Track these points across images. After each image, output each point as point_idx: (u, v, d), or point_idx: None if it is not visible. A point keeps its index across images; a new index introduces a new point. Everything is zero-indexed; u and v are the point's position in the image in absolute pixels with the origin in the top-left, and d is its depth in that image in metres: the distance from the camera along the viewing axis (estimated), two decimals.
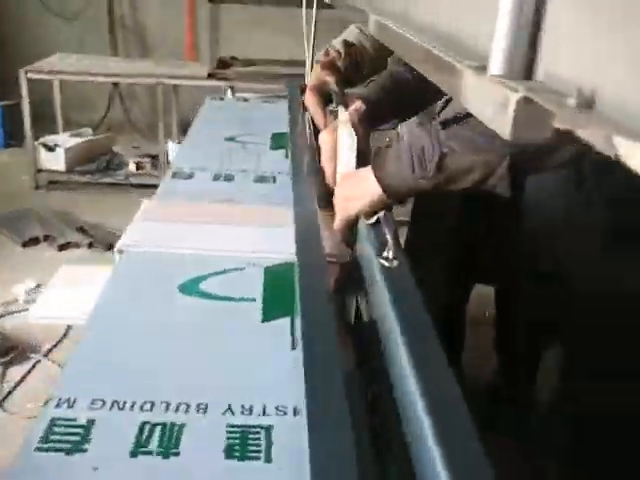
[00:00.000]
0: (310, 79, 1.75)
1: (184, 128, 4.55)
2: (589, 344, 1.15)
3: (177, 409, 0.73)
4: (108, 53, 4.91)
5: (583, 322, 1.15)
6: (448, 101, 1.43)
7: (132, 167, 4.05)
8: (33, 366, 2.46)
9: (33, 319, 1.23)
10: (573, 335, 1.21)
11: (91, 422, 0.70)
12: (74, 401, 0.73)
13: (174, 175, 1.47)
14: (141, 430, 0.70)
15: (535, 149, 0.86)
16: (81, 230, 3.44)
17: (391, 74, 1.39)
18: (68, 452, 0.66)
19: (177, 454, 0.67)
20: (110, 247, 3.34)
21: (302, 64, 3.99)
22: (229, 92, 3.21)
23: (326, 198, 1.25)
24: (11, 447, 2.13)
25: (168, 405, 0.74)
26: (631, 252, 1.05)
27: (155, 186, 4.21)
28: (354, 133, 1.08)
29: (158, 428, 0.70)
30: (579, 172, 1.06)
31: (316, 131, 1.72)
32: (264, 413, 0.74)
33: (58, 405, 0.72)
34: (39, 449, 0.66)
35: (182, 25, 4.87)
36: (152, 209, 1.26)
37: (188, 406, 0.74)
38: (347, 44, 1.76)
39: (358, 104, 1.34)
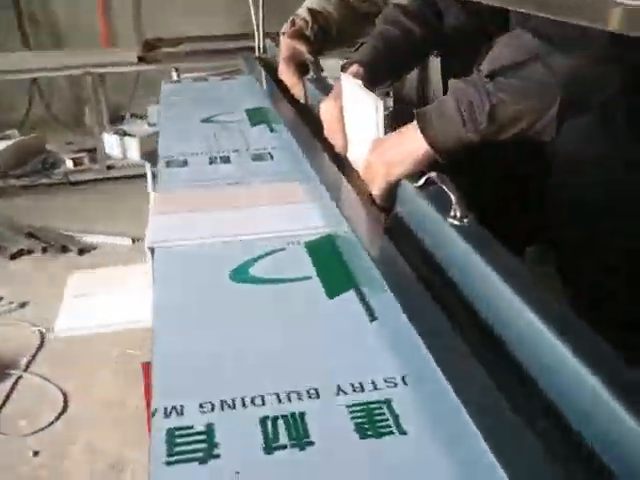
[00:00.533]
0: (281, 51, 1.71)
1: (114, 118, 4.42)
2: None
3: (289, 398, 0.71)
4: (19, 48, 4.67)
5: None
6: (447, 58, 1.42)
7: (69, 164, 3.90)
8: (15, 382, 2.37)
9: (60, 333, 1.17)
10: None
11: (210, 426, 0.67)
12: (181, 408, 0.70)
13: (168, 164, 1.42)
14: (264, 426, 0.67)
15: (586, 87, 0.87)
16: (30, 235, 3.30)
17: (381, 33, 1.36)
18: (202, 461, 0.63)
19: (311, 443, 0.65)
20: (65, 249, 3.22)
21: (236, 38, 3.92)
22: (175, 74, 3.09)
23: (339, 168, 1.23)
24: (18, 467, 2.05)
25: (278, 396, 0.72)
26: None
27: (98, 181, 4.09)
28: (378, 97, 1.06)
29: (281, 421, 0.68)
30: (605, 111, 1.07)
31: (293, 101, 1.69)
32: (375, 388, 0.73)
33: (167, 415, 0.69)
34: (169, 463, 0.63)
35: (94, 11, 4.66)
36: (165, 201, 1.21)
37: (298, 394, 0.72)
38: (312, 11, 1.73)
39: (355, 68, 1.32)
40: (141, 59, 3.69)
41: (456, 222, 0.85)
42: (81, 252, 3.19)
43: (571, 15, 0.59)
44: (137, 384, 2.30)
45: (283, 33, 1.78)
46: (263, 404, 0.71)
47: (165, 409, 0.70)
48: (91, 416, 2.22)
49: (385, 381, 0.74)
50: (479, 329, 0.76)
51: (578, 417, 0.62)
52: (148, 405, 0.87)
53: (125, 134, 4.02)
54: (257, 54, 2.33)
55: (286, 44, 1.70)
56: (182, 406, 0.70)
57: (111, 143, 4.00)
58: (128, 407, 2.22)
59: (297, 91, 1.67)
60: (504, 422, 0.61)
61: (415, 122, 0.98)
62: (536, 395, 0.67)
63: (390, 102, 1.99)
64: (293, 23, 1.75)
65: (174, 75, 3.28)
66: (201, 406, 0.70)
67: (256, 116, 1.75)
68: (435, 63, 1.63)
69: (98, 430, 2.15)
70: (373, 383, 0.73)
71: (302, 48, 1.67)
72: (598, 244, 1.16)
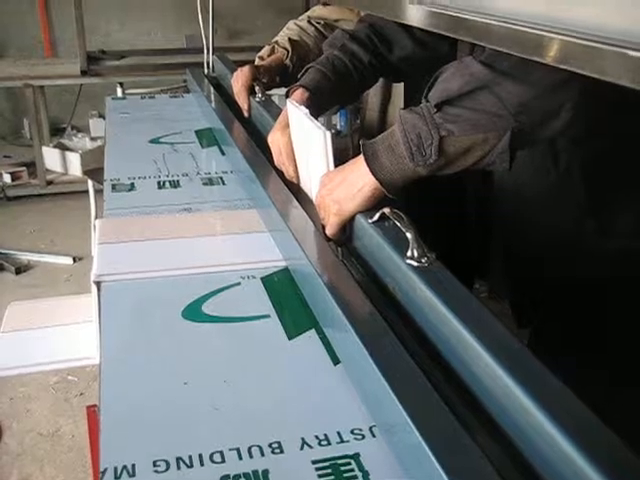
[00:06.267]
0: (242, 75, 1.65)
1: (54, 131, 4.28)
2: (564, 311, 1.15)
3: (250, 454, 0.67)
4: None
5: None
6: (416, 88, 1.40)
7: (7, 178, 3.74)
8: None
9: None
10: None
11: None
12: (133, 467, 0.65)
13: (114, 188, 1.35)
14: None
15: (538, 116, 0.85)
16: None
17: (327, 59, 1.34)
18: None
19: None
20: (0, 268, 3.08)
21: (182, 52, 3.85)
22: (119, 89, 2.99)
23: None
24: None
25: (239, 451, 0.67)
26: (610, 217, 1.07)
27: (37, 196, 3.94)
28: (325, 129, 1.02)
29: None
30: (553, 147, 1.06)
31: (245, 123, 1.64)
32: (342, 440, 0.69)
33: (117, 476, 0.64)
34: None
35: (37, 20, 4.51)
36: (111, 229, 1.15)
37: (260, 448, 0.67)
38: (293, 42, 1.72)
39: (300, 92, 1.29)
40: (84, 72, 3.57)
41: (414, 263, 0.82)
42: (18, 271, 3.06)
43: (513, 47, 0.57)
44: (74, 412, 2.20)
45: (261, 57, 1.76)
46: (223, 461, 0.66)
47: (115, 469, 0.64)
48: (25, 447, 2.10)
49: (352, 432, 0.70)
50: (448, 375, 0.72)
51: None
52: (94, 458, 0.81)
53: (66, 148, 3.89)
54: (206, 71, 2.28)
55: (249, 75, 1.64)
56: (134, 465, 0.65)
57: (51, 157, 3.86)
58: (64, 437, 2.12)
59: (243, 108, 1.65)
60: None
61: (362, 155, 0.95)
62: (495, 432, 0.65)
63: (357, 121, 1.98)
64: (273, 50, 1.73)
65: (119, 91, 3.18)
66: (155, 464, 0.65)
67: (206, 137, 1.70)
68: (399, 87, 1.62)
69: (34, 463, 2.04)
70: (339, 435, 0.70)
71: (258, 85, 1.63)
72: (548, 277, 1.15)
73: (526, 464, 0.62)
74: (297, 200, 1.12)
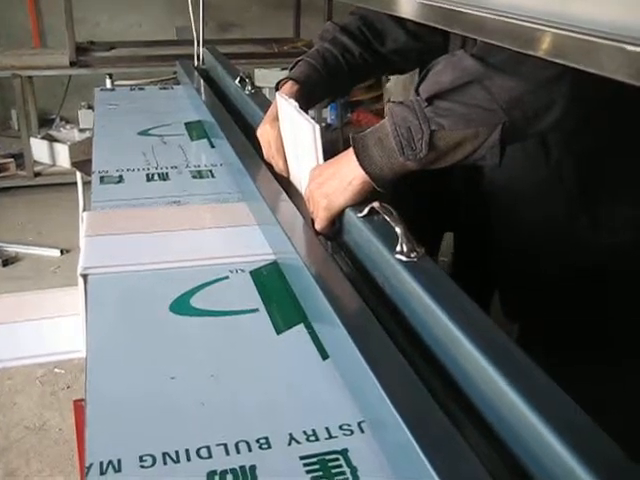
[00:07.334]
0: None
1: (42, 122, 4.24)
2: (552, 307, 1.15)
3: (237, 450, 0.66)
4: None
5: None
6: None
7: None
8: None
9: None
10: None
11: None
12: (119, 463, 0.64)
13: (102, 180, 1.34)
14: None
15: (530, 111, 0.85)
16: None
17: (318, 51, 1.33)
18: None
19: None
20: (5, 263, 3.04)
21: (171, 44, 3.82)
22: (108, 81, 2.96)
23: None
24: None
25: (226, 446, 0.66)
26: (601, 212, 1.07)
27: (25, 188, 3.90)
28: (315, 122, 1.01)
29: (229, 477, 0.63)
30: (545, 141, 1.06)
31: (235, 115, 1.63)
32: (330, 436, 0.68)
33: (103, 472, 0.63)
34: None
35: (25, 10, 4.46)
36: (98, 222, 1.14)
37: (248, 444, 0.67)
38: None
39: (289, 85, 1.28)
40: (73, 63, 3.53)
41: (403, 257, 0.82)
42: (5, 263, 3.03)
43: (507, 41, 0.57)
44: (61, 405, 2.19)
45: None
46: (210, 456, 0.65)
47: (101, 464, 0.64)
48: (11, 441, 2.09)
49: (340, 428, 0.69)
50: (437, 370, 0.72)
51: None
52: (80, 452, 0.80)
53: (54, 140, 3.86)
54: (196, 64, 2.26)
55: None
56: (119, 460, 0.64)
57: (39, 148, 3.83)
58: (51, 431, 2.11)
59: None
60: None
61: (352, 149, 0.94)
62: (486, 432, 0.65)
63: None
64: None
65: (108, 82, 3.15)
66: (142, 459, 0.64)
67: (196, 130, 1.68)
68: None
69: (20, 457, 2.02)
70: (328, 431, 0.69)
71: None
72: (542, 271, 1.14)
73: (515, 460, 0.61)
74: (287, 194, 1.12)
